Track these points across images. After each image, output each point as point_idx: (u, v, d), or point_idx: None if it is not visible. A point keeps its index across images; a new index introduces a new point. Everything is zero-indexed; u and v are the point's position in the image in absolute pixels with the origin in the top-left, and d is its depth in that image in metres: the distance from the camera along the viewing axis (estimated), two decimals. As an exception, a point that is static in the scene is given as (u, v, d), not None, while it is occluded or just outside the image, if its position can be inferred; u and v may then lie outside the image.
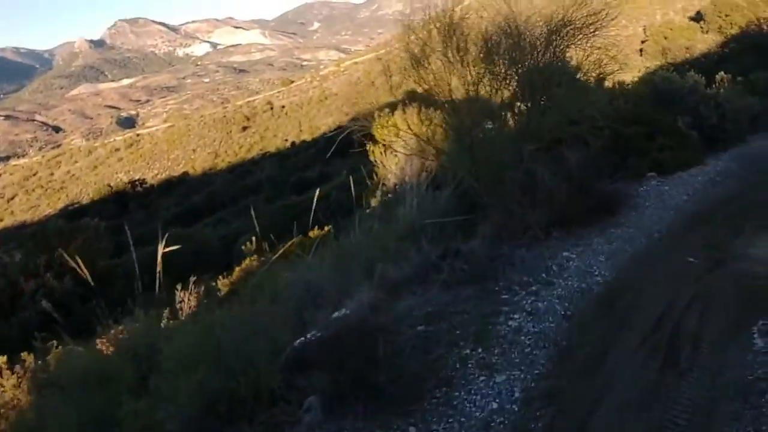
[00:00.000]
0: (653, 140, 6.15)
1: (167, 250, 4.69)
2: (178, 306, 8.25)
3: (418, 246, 4.77)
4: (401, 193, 6.20)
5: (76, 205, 49.24)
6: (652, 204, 5.20)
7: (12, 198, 57.08)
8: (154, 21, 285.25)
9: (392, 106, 8.40)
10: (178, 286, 8.53)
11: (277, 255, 5.55)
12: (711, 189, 5.63)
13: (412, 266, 4.45)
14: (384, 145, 8.00)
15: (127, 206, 43.70)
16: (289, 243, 8.75)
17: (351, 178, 6.20)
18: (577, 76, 4.86)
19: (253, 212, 7.12)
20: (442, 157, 5.44)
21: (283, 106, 62.84)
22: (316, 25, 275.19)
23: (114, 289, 14.89)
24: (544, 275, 3.91)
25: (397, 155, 7.15)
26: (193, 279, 8.96)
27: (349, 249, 5.81)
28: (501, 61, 4.91)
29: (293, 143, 47.30)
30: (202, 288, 8.97)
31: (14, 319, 9.64)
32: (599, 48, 4.75)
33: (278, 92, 72.08)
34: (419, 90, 5.24)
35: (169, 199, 42.89)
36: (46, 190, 57.94)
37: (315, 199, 6.12)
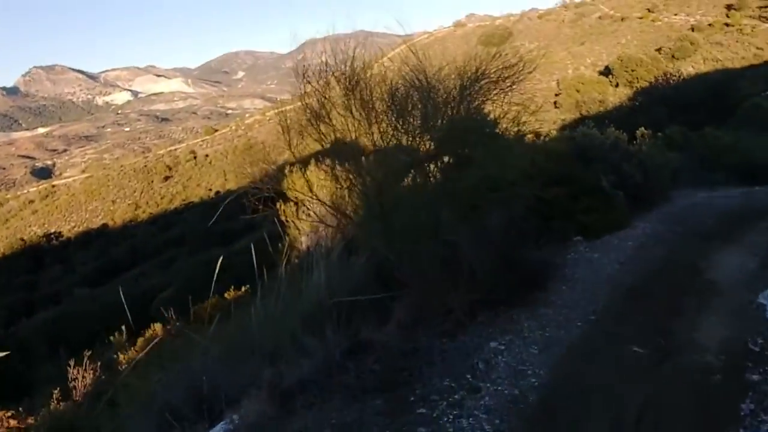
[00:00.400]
0: (577, 201, 5.70)
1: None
2: (71, 385, 7.11)
3: (322, 335, 4.04)
4: (312, 258, 5.46)
5: (-18, 262, 45.87)
6: (582, 275, 4.65)
7: None
8: (72, 68, 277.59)
9: (305, 161, 7.72)
10: (71, 365, 7.38)
11: (150, 346, 4.67)
12: (642, 255, 5.15)
13: (312, 364, 3.70)
14: (296, 203, 7.33)
15: (42, 261, 41.49)
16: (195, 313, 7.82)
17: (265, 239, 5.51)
18: (496, 134, 4.32)
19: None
20: (350, 225, 4.76)
21: (207, 155, 61.41)
22: (241, 74, 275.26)
23: (6, 364, 13.32)
24: (469, 377, 3.22)
25: (309, 215, 6.46)
26: (88, 353, 7.83)
27: (247, 331, 5.06)
28: (411, 116, 4.32)
29: (217, 192, 45.97)
30: (99, 363, 7.86)
31: None
32: (517, 104, 4.24)
33: (202, 141, 70.70)
34: (319, 148, 4.58)
35: (88, 252, 40.81)
36: (-48, 245, 53.87)
37: (218, 267, 5.45)
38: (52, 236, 47.97)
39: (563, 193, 5.62)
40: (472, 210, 4.30)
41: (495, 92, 4.22)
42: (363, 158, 4.67)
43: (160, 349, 8.67)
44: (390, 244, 4.46)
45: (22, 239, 46.69)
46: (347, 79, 4.31)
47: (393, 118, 4.45)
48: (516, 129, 4.38)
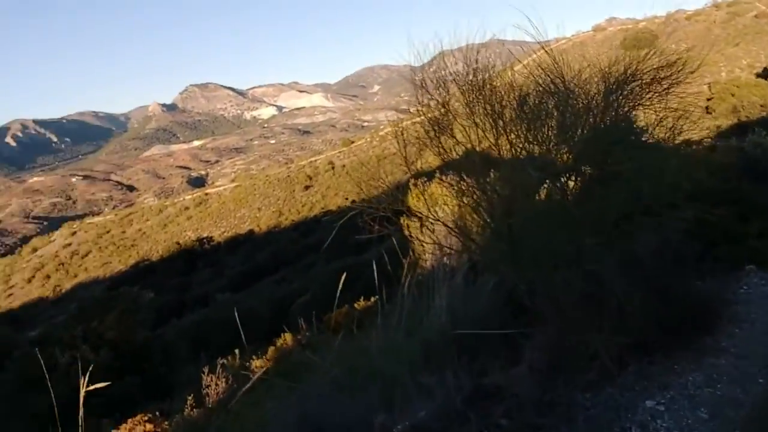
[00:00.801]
0: (748, 223, 4.74)
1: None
2: (204, 392, 7.23)
3: (443, 372, 3.59)
4: (436, 278, 5.02)
5: (146, 262, 50.31)
6: (760, 314, 3.77)
7: (86, 254, 59.02)
8: (224, 86, 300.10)
9: (426, 177, 7.33)
10: (205, 371, 7.52)
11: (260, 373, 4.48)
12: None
13: (430, 409, 3.27)
14: (420, 218, 6.96)
15: (195, 263, 44.31)
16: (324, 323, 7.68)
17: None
18: (649, 144, 3.64)
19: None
20: (474, 246, 4.28)
21: (344, 165, 63.20)
22: (376, 87, 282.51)
23: (150, 364, 14.16)
24: (619, 444, 2.62)
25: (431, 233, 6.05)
26: (221, 361, 7.94)
27: (367, 355, 4.75)
28: (546, 125, 3.76)
29: (353, 201, 47.01)
30: (232, 371, 7.96)
31: (45, 395, 9.01)
32: (675, 109, 3.53)
33: (339, 152, 73.01)
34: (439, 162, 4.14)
35: (235, 257, 43.17)
36: (119, 247, 59.70)
37: (341, 280, 5.25)
38: (205, 241, 51.31)
39: (730, 214, 4.71)
40: (619, 234, 3.65)
41: (648, 96, 3.55)
42: (488, 173, 4.18)
43: (288, 360, 8.67)
44: (520, 271, 3.92)
45: (178, 243, 50.49)
46: (472, 88, 3.83)
47: (523, 128, 3.91)
48: (673, 138, 3.66)
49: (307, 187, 61.40)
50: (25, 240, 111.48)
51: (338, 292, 5.37)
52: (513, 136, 3.86)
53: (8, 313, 45.21)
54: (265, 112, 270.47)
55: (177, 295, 31.44)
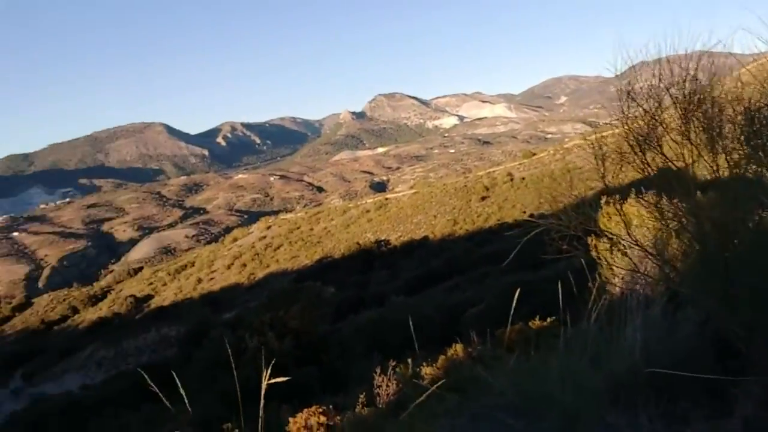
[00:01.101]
0: None
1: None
2: (375, 391, 7.40)
3: (634, 414, 3.23)
4: (628, 307, 4.60)
5: (329, 259, 53.26)
6: None
7: (278, 247, 64.12)
8: (409, 95, 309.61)
9: (622, 194, 6.78)
10: (377, 371, 7.69)
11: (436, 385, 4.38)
12: None
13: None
14: (610, 238, 6.45)
15: (372, 264, 46.02)
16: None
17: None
18: None
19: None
20: (677, 276, 3.81)
21: (524, 178, 61.80)
22: (563, 98, 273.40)
23: (328, 356, 14.85)
24: None
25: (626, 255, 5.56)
26: (393, 363, 8.07)
27: (545, 383, 4.46)
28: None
29: (531, 215, 45.69)
30: (403, 374, 8.06)
31: (234, 375, 9.86)
32: None
33: (519, 164, 71.60)
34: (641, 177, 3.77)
35: (410, 260, 44.06)
36: (306, 242, 64.01)
37: (515, 297, 5.06)
38: (382, 243, 52.96)
39: None
40: None
41: None
42: (700, 195, 3.70)
43: (459, 372, 8.51)
44: (734, 311, 3.42)
45: (358, 243, 52.79)
46: (687, 99, 3.42)
47: (749, 145, 3.41)
48: None
49: (483, 198, 60.98)
50: (228, 230, 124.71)
51: (513, 307, 5.14)
52: (736, 155, 3.37)
53: (209, 294, 50.59)
54: (447, 122, 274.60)
55: (355, 292, 32.73)
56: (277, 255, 61.35)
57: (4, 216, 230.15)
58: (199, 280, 57.26)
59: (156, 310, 48.44)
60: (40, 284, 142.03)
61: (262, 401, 3.09)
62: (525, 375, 4.79)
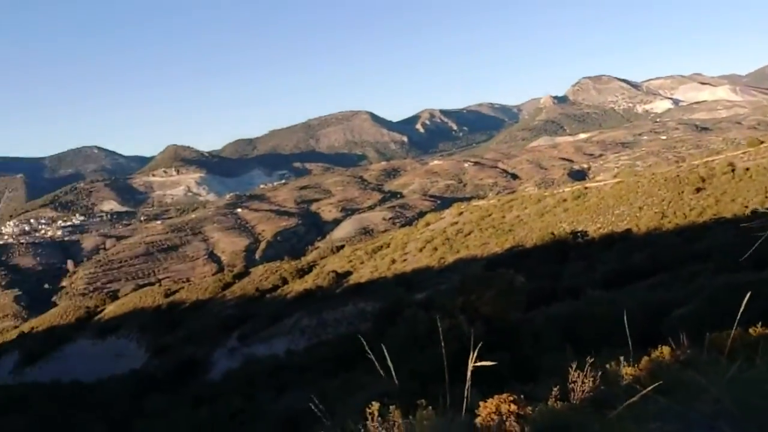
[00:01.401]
0: None
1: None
2: (569, 386, 7.08)
3: None
4: None
5: (520, 248, 52.37)
6: None
7: (469, 233, 64.37)
8: (617, 78, 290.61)
9: None
10: (573, 365, 7.35)
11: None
12: None
13: None
14: None
15: (566, 255, 44.40)
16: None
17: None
18: None
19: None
20: None
21: (748, 169, 54.62)
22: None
23: (521, 344, 14.57)
24: None
25: None
26: (590, 360, 7.65)
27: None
28: None
29: (754, 211, 40.35)
30: (600, 372, 7.60)
31: (426, 354, 10.09)
32: None
33: (743, 153, 63.40)
34: None
35: (609, 254, 41.78)
36: (497, 230, 63.43)
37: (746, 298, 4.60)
38: (578, 234, 50.78)
39: None
40: None
41: None
42: None
43: (666, 376, 7.82)
44: None
45: (552, 233, 51.07)
46: None
47: None
48: None
49: (698, 190, 55.08)
50: (422, 214, 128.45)
51: (740, 311, 4.68)
52: None
53: (402, 275, 52.47)
54: (659, 106, 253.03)
55: (548, 283, 31.79)
56: (467, 241, 61.57)
57: (231, 194, 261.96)
58: (393, 261, 59.48)
59: (354, 286, 51.38)
60: (257, 256, 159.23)
61: (468, 382, 3.03)
62: (748, 384, 4.21)
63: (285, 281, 61.32)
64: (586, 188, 72.36)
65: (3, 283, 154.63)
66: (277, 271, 67.93)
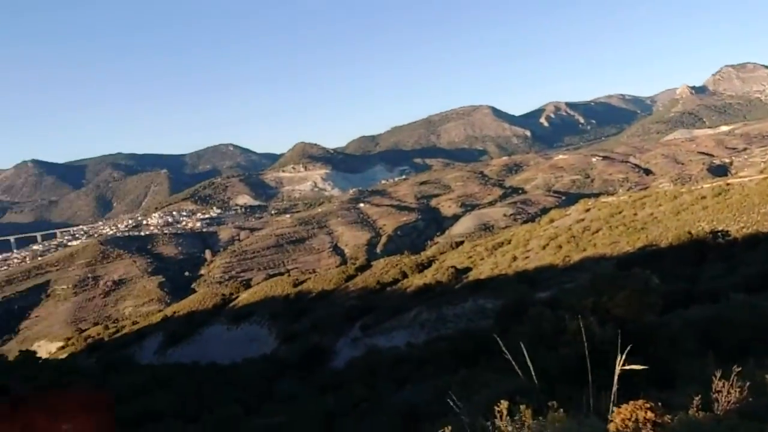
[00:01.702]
0: None
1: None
2: (714, 396, 6.74)
3: None
4: None
5: (653, 247, 49.65)
6: None
7: (596, 231, 61.65)
8: (764, 65, 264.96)
9: None
10: (717, 373, 6.99)
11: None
12: None
13: None
14: None
15: (704, 256, 41.73)
16: None
17: None
18: None
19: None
20: None
21: None
22: None
23: (656, 349, 13.89)
24: None
25: None
26: (737, 368, 7.22)
27: None
28: None
29: None
30: (749, 382, 7.16)
31: (553, 354, 9.97)
32: None
33: None
34: None
35: (754, 254, 38.54)
36: (628, 228, 60.27)
37: None
38: (719, 233, 47.32)
39: None
40: None
41: None
42: None
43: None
44: None
45: (689, 232, 47.89)
46: None
47: None
48: None
49: None
50: (545, 211, 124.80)
51: None
52: None
53: (524, 272, 51.39)
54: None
55: (684, 285, 29.98)
56: (594, 239, 58.99)
57: (354, 189, 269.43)
58: (514, 258, 58.34)
59: (473, 282, 51.04)
60: (378, 249, 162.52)
61: (615, 386, 3.02)
62: None
63: (405, 275, 62.15)
64: (728, 184, 66.96)
65: (149, 270, 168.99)
66: (397, 264, 68.97)
